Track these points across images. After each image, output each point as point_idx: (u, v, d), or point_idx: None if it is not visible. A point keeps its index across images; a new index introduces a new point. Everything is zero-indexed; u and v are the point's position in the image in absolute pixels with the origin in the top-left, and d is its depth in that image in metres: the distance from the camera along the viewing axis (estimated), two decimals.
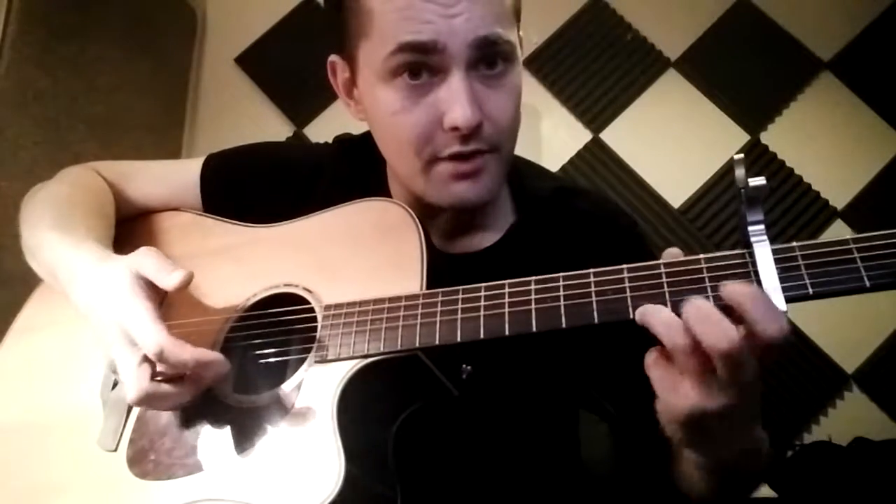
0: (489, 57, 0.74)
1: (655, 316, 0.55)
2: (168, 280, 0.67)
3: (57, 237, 0.79)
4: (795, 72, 2.09)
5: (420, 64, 0.72)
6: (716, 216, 2.03)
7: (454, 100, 0.72)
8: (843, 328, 1.88)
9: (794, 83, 2.08)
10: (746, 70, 2.09)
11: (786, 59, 2.09)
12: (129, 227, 0.91)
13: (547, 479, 0.87)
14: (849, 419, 1.87)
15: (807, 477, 1.69)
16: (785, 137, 2.06)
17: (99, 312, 0.69)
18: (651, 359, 0.57)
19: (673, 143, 2.09)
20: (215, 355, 0.65)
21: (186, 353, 0.63)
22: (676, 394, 0.55)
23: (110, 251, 0.77)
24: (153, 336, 0.63)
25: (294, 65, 2.22)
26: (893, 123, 2.03)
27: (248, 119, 2.21)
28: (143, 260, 0.70)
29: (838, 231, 1.99)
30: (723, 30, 2.13)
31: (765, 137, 2.06)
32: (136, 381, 0.64)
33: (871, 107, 2.04)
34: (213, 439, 0.69)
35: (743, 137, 2.07)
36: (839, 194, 2.01)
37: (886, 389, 1.89)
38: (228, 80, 2.25)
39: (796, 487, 1.68)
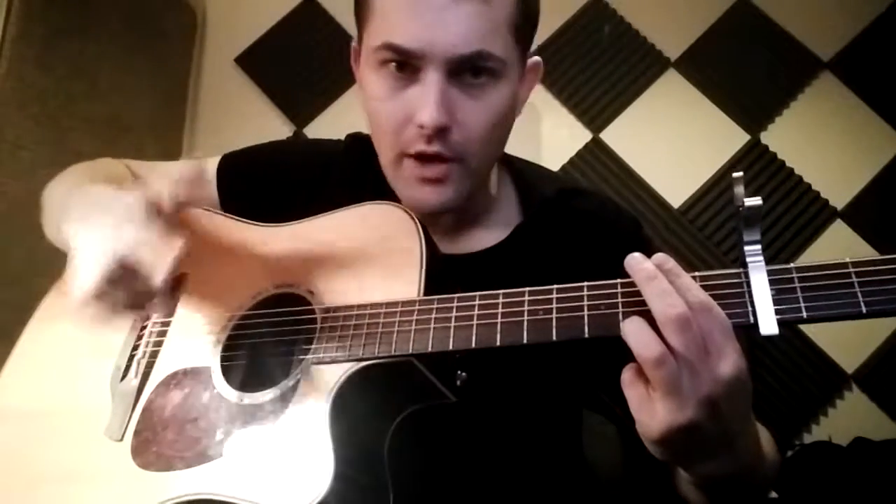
0: (473, 69, 0.76)
1: (627, 326, 0.56)
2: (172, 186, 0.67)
3: (70, 191, 0.80)
4: (795, 72, 2.08)
5: (404, 63, 0.76)
6: (716, 216, 2.02)
7: (424, 100, 0.75)
8: (843, 328, 1.88)
9: (794, 83, 2.08)
10: (746, 70, 2.09)
11: (786, 59, 2.09)
12: None
13: (548, 483, 0.87)
14: (849, 419, 1.87)
15: (807, 477, 1.69)
16: (785, 137, 2.06)
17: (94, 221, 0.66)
18: (627, 377, 0.58)
19: (673, 143, 2.09)
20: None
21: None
22: (650, 414, 0.56)
23: None
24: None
25: (294, 65, 2.22)
26: (893, 123, 2.03)
27: (248, 119, 2.21)
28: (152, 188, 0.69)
29: (838, 231, 1.99)
30: (723, 30, 2.13)
31: (765, 137, 2.06)
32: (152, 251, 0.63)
33: (871, 107, 2.04)
34: (211, 434, 0.70)
35: (743, 137, 2.07)
36: (839, 194, 2.01)
37: (886, 389, 1.89)
38: (228, 80, 2.25)
39: (796, 487, 1.68)
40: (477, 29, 0.74)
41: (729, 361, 0.54)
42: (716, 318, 0.55)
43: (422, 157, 0.78)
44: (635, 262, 0.58)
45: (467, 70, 0.76)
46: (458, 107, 0.76)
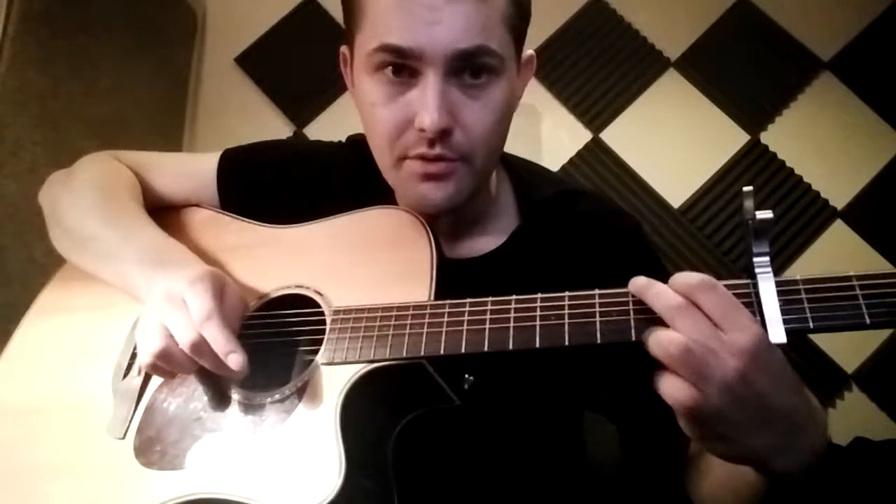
0: (472, 67, 0.75)
1: (649, 339, 0.56)
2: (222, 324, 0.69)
3: (118, 228, 0.82)
4: (795, 72, 2.09)
5: (401, 64, 0.74)
6: (716, 216, 2.02)
7: (424, 103, 0.73)
8: None
9: (794, 83, 2.08)
10: (746, 70, 2.09)
11: (786, 59, 2.09)
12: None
13: (550, 484, 0.87)
14: (849, 419, 1.87)
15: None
16: (785, 137, 2.06)
17: (161, 284, 0.71)
18: (665, 387, 0.57)
19: (673, 143, 2.09)
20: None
21: (227, 338, 0.66)
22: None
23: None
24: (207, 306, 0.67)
25: (294, 65, 2.22)
26: (893, 123, 2.03)
27: (248, 119, 2.21)
28: (232, 286, 0.73)
29: (838, 231, 1.99)
30: (723, 30, 2.13)
31: (765, 137, 2.06)
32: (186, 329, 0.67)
33: (871, 107, 2.04)
34: (218, 434, 0.70)
35: (743, 137, 2.07)
36: (839, 194, 2.01)
37: (886, 389, 1.89)
38: (228, 80, 2.25)
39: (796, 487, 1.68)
40: (475, 24, 0.72)
41: (746, 332, 0.54)
42: (719, 293, 0.55)
43: (424, 158, 0.77)
44: (632, 282, 0.60)
45: (466, 70, 0.74)
46: (459, 108, 0.75)
